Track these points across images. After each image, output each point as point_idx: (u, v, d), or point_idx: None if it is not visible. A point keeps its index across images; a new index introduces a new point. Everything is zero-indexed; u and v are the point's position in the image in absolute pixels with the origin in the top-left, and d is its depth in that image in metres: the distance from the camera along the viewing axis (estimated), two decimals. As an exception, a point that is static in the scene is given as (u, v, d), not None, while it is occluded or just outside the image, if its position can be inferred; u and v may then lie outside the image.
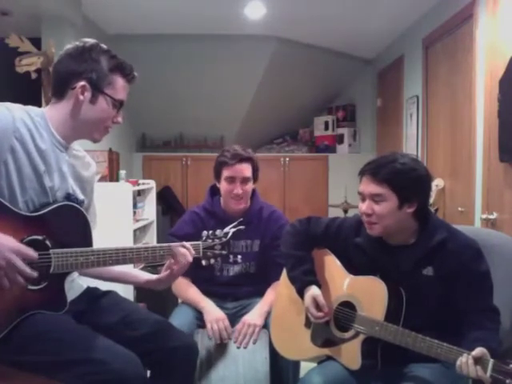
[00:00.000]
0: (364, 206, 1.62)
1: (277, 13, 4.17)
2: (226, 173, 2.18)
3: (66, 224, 1.49)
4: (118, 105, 1.54)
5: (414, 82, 4.28)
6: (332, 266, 1.79)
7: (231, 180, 2.17)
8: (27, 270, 1.32)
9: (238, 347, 2.03)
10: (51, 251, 1.41)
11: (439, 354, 1.42)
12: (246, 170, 2.19)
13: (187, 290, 2.19)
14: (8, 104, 1.43)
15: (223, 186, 2.21)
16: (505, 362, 1.31)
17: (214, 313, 2.07)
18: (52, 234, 1.43)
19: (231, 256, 2.21)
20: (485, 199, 2.89)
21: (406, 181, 1.58)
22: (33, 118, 1.46)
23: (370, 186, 1.60)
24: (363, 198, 1.64)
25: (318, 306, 1.69)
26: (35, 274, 1.35)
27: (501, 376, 1.30)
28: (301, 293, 1.76)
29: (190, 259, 1.63)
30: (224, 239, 1.74)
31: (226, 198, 2.22)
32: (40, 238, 1.41)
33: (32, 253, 1.34)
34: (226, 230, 1.77)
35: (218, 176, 2.23)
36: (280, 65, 5.10)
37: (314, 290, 1.73)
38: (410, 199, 1.59)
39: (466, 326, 1.53)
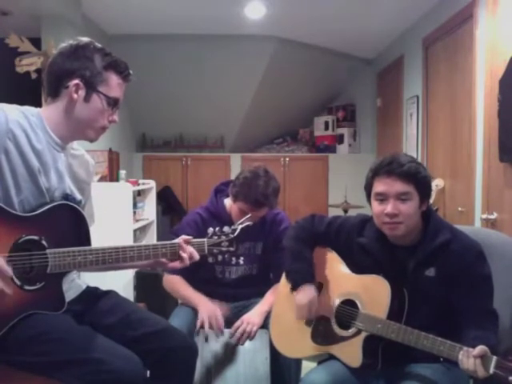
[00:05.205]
0: (389, 207, 1.58)
1: (277, 13, 4.17)
2: (241, 206, 2.11)
3: (62, 223, 1.48)
4: (113, 103, 1.52)
5: (414, 82, 4.28)
6: (334, 264, 1.79)
7: (244, 213, 2.09)
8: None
9: (236, 344, 2.03)
10: (47, 251, 1.40)
11: (442, 351, 1.42)
12: (262, 212, 2.15)
13: (180, 287, 2.19)
14: (2, 105, 1.42)
15: (235, 207, 2.17)
16: (507, 359, 1.32)
17: (205, 306, 2.06)
18: (49, 233, 1.42)
19: (234, 258, 2.20)
20: (485, 199, 2.89)
21: (424, 178, 1.61)
22: (28, 119, 1.45)
23: (396, 185, 1.57)
24: (385, 198, 1.60)
25: (310, 309, 1.71)
26: (10, 291, 1.32)
27: (503, 373, 1.30)
28: (295, 287, 1.76)
29: (197, 258, 1.64)
30: (232, 235, 1.73)
31: (234, 215, 2.18)
32: (36, 237, 1.40)
33: (6, 269, 1.29)
34: (234, 226, 1.76)
35: (235, 197, 2.14)
36: (280, 65, 5.09)
37: (311, 291, 1.73)
38: (426, 197, 1.62)
39: (466, 325, 1.52)
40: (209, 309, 2.05)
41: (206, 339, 2.03)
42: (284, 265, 1.90)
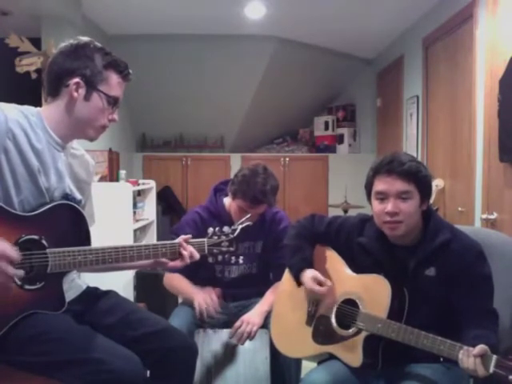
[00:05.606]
0: (390, 206, 1.58)
1: (277, 13, 4.17)
2: (240, 203, 2.12)
3: (63, 223, 1.48)
4: (113, 101, 1.53)
5: (414, 82, 4.28)
6: (335, 263, 1.79)
7: (243, 210, 2.10)
8: (10, 270, 1.25)
9: (236, 344, 2.03)
10: (48, 250, 1.40)
11: (442, 350, 1.42)
12: (260, 210, 2.15)
13: (176, 281, 2.20)
14: (1, 104, 1.42)
15: (234, 205, 2.17)
16: (507, 358, 1.32)
17: (199, 293, 2.07)
18: (49, 233, 1.43)
19: (233, 257, 2.21)
20: (485, 199, 2.89)
21: (424, 177, 1.61)
22: (28, 118, 1.45)
23: (397, 184, 1.57)
24: (385, 197, 1.60)
25: (319, 284, 1.71)
26: (20, 272, 1.30)
27: (503, 372, 1.30)
28: (297, 278, 1.77)
29: (197, 257, 1.65)
30: (231, 235, 1.73)
31: (233, 213, 2.19)
32: (36, 237, 1.40)
33: (14, 254, 1.27)
34: (234, 226, 1.76)
35: (233, 194, 2.15)
36: (280, 65, 5.09)
37: (311, 272, 1.74)
38: (426, 196, 1.62)
39: (466, 325, 1.52)
40: (202, 293, 2.06)
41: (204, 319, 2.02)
42: (284, 263, 1.90)
